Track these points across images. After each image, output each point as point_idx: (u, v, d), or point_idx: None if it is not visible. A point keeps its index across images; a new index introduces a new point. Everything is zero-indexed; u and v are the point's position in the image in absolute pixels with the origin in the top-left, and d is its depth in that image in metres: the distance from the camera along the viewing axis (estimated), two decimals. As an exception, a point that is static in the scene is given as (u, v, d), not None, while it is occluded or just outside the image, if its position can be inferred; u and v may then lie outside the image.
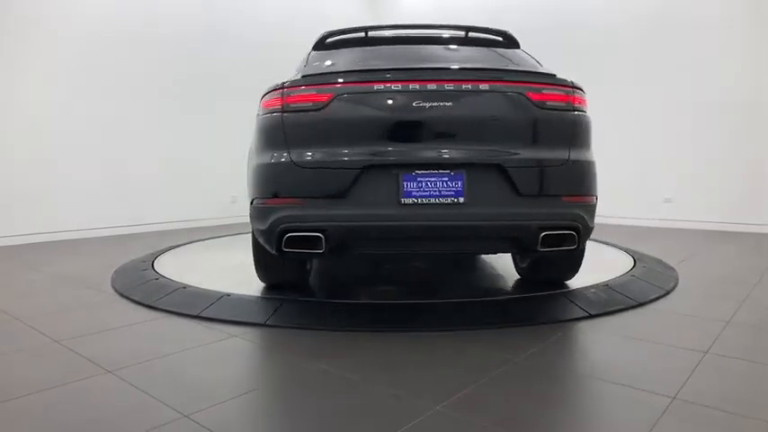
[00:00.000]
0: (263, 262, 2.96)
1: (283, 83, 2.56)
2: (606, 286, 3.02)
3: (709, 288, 3.25)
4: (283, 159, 2.48)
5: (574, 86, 2.59)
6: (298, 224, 2.45)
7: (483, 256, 4.08)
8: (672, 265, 3.79)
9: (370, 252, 2.72)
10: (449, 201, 2.42)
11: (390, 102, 2.47)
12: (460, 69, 2.62)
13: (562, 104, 2.54)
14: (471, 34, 3.14)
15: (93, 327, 2.52)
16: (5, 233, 5.09)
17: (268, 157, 2.54)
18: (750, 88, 5.76)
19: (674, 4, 6.20)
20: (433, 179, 2.42)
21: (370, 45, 3.09)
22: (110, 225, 5.81)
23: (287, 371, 2.01)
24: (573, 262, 2.99)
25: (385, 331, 2.45)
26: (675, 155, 6.24)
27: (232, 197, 6.43)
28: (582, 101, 2.62)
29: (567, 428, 1.60)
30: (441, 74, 2.51)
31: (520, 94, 2.49)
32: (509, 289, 3.20)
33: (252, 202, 2.65)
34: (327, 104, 2.45)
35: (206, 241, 5.18)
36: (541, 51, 6.89)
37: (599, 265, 3.77)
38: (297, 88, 2.52)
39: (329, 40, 3.17)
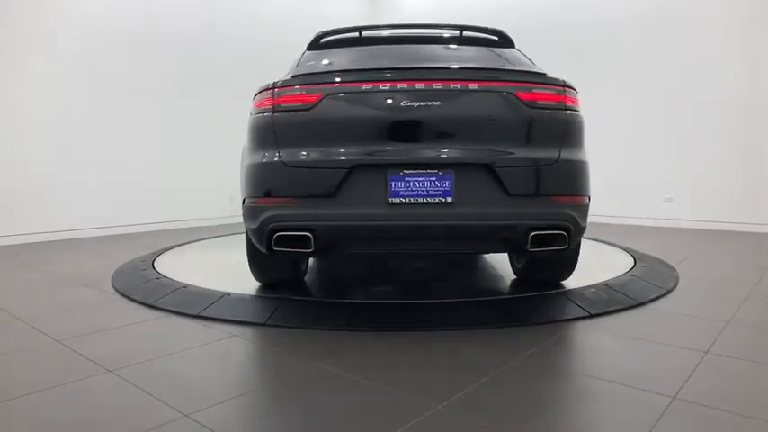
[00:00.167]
0: (256, 261, 2.98)
1: (274, 83, 2.59)
2: (606, 286, 3.02)
3: (710, 288, 3.24)
4: (273, 159, 2.50)
5: (566, 85, 2.57)
6: (287, 223, 2.47)
7: (484, 255, 4.08)
8: (672, 264, 3.79)
9: (360, 252, 2.73)
10: (436, 200, 2.43)
11: (378, 101, 2.48)
12: (449, 69, 2.62)
13: (553, 104, 2.52)
14: (466, 33, 3.14)
15: (94, 326, 2.52)
16: (5, 233, 5.10)
17: (258, 157, 2.56)
18: (750, 88, 5.76)
19: (674, 3, 6.20)
20: (420, 179, 2.43)
21: (364, 45, 3.09)
22: (110, 225, 5.81)
23: (287, 370, 2.01)
24: (568, 262, 2.98)
25: (385, 331, 2.45)
26: (676, 154, 6.24)
27: (230, 197, 6.43)
28: (574, 100, 2.60)
29: (568, 428, 1.60)
30: (429, 73, 2.51)
31: (510, 93, 2.48)
32: (509, 289, 3.20)
33: (244, 202, 2.67)
34: (317, 104, 2.47)
35: (206, 241, 5.18)
36: (541, 51, 6.90)
37: (599, 265, 3.77)
38: (287, 88, 2.54)
39: (323, 40, 3.18)
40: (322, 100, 2.46)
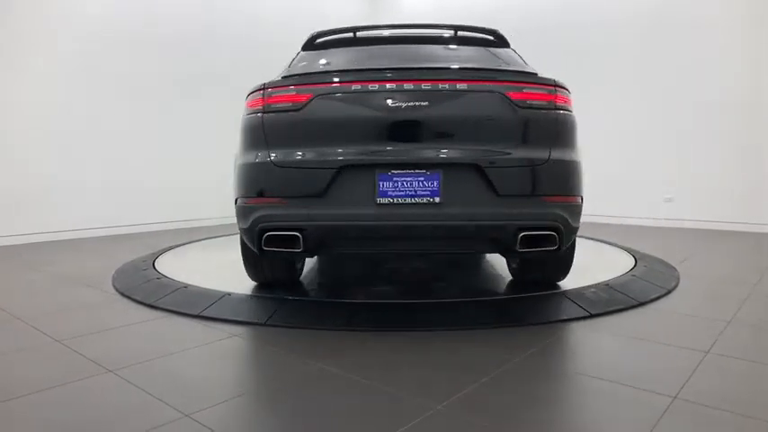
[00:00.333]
0: (250, 260, 2.99)
1: (264, 84, 2.60)
2: (607, 286, 3.02)
3: (711, 288, 3.24)
4: (263, 159, 2.53)
5: (557, 85, 2.56)
6: (276, 223, 2.49)
7: (485, 255, 4.08)
8: (673, 264, 3.79)
9: (349, 251, 2.72)
10: (424, 200, 2.43)
11: (367, 102, 2.49)
12: (437, 69, 2.62)
13: (544, 103, 2.51)
14: (461, 33, 3.13)
15: (94, 326, 2.52)
16: (5, 233, 5.10)
17: (249, 157, 2.59)
18: (750, 88, 5.77)
19: (674, 3, 6.21)
20: (408, 179, 2.43)
21: (359, 45, 3.10)
22: (110, 225, 5.81)
23: (287, 370, 2.01)
24: (562, 263, 2.96)
25: (385, 331, 2.45)
26: (676, 154, 6.24)
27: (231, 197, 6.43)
28: (566, 100, 2.59)
29: (568, 428, 1.60)
30: (417, 74, 2.52)
31: (499, 93, 2.48)
32: (509, 289, 3.20)
33: (236, 201, 2.69)
34: (306, 105, 2.48)
35: (206, 240, 5.18)
36: (541, 51, 6.92)
37: (599, 265, 3.77)
38: (277, 89, 2.56)
39: (318, 40, 3.19)
40: (312, 100, 2.48)
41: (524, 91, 2.49)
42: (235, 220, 2.71)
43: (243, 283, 3.10)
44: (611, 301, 2.79)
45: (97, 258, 4.38)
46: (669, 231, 5.89)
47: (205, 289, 2.99)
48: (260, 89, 2.60)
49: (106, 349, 2.21)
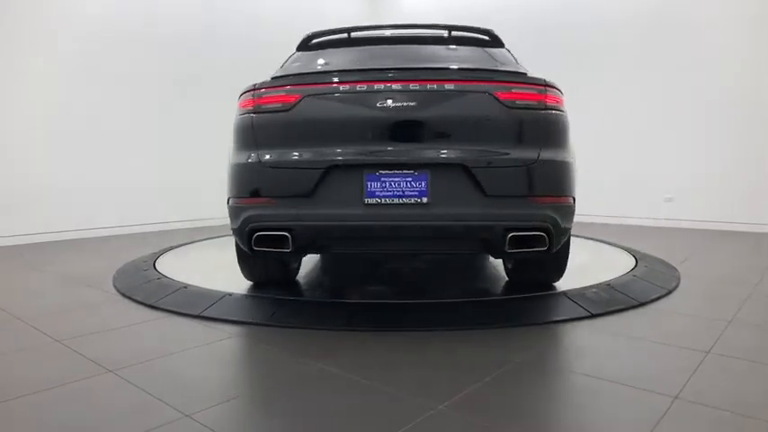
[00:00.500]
0: (245, 260, 3.01)
1: (254, 84, 2.62)
2: (608, 286, 3.02)
3: (711, 288, 3.24)
4: (253, 159, 2.55)
5: (547, 85, 2.55)
6: (265, 223, 2.50)
7: (487, 256, 4.08)
8: (673, 264, 3.79)
9: (338, 251, 2.72)
10: (412, 201, 2.43)
11: (356, 102, 2.50)
12: (425, 69, 2.62)
13: (533, 103, 2.50)
14: (455, 33, 3.12)
15: (95, 326, 2.52)
16: (5, 233, 5.09)
17: (240, 157, 2.61)
18: (750, 88, 5.76)
19: (674, 3, 6.20)
20: (396, 179, 2.43)
21: (353, 46, 3.10)
22: (110, 225, 5.81)
23: (287, 371, 2.00)
24: (556, 263, 2.94)
25: (385, 331, 2.45)
26: (676, 154, 6.24)
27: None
28: (557, 100, 2.57)
29: (569, 428, 1.60)
30: (405, 74, 2.51)
31: (488, 93, 2.47)
32: (509, 289, 3.19)
33: (228, 201, 2.70)
34: (295, 105, 2.50)
35: (207, 241, 5.19)
36: (542, 51, 6.91)
37: (600, 265, 3.77)
38: (267, 90, 2.57)
39: (313, 41, 3.19)
40: (300, 101, 2.50)
41: (513, 91, 2.48)
42: None
43: (243, 284, 3.10)
44: (611, 301, 2.79)
45: (98, 258, 4.37)
46: (669, 231, 5.89)
47: (206, 289, 2.99)
48: (251, 90, 2.62)
49: (106, 349, 2.21)
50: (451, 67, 2.73)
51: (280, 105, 2.52)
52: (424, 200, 2.42)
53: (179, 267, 3.74)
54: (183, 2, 6.46)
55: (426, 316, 2.65)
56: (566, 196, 2.56)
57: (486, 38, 3.15)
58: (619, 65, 6.61)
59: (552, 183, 2.52)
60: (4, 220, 5.09)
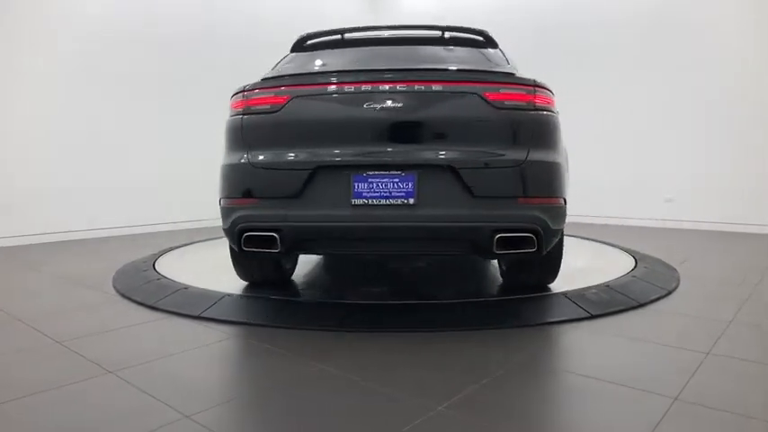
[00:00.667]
0: (239, 260, 3.03)
1: (245, 86, 2.63)
2: (607, 287, 3.02)
3: (711, 288, 3.24)
4: (242, 160, 2.57)
5: (536, 85, 2.53)
6: (254, 224, 2.52)
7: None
8: (673, 265, 3.79)
9: (327, 252, 2.72)
10: (399, 202, 2.42)
11: (343, 103, 2.51)
12: (413, 70, 2.61)
13: (522, 104, 2.48)
14: (449, 34, 3.11)
15: (95, 327, 2.52)
16: (5, 233, 5.09)
17: (230, 158, 2.65)
18: (750, 88, 5.76)
19: (674, 3, 6.20)
20: (383, 180, 2.43)
21: (346, 47, 3.09)
22: (110, 225, 5.80)
23: (287, 371, 2.00)
24: (549, 265, 2.91)
25: (385, 331, 2.45)
26: (676, 155, 6.24)
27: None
28: (547, 100, 2.55)
29: (569, 429, 1.60)
30: (393, 75, 2.51)
31: (476, 94, 2.46)
32: (508, 290, 3.19)
33: (220, 202, 2.73)
34: (284, 106, 2.51)
35: (207, 242, 5.18)
36: (542, 51, 6.91)
37: (600, 266, 3.77)
38: (256, 91, 2.59)
39: (307, 42, 3.18)
40: (289, 102, 2.51)
41: (501, 91, 2.47)
42: None
43: (243, 285, 3.10)
44: (611, 301, 2.79)
45: (98, 259, 4.37)
46: (669, 232, 5.89)
47: (205, 290, 2.99)
48: (241, 91, 2.64)
49: (106, 350, 2.21)
50: (440, 68, 2.72)
51: (269, 107, 2.54)
52: (411, 201, 2.42)
53: (179, 268, 3.74)
54: (183, 2, 6.46)
55: (425, 316, 2.65)
56: (556, 197, 2.54)
57: (480, 38, 3.13)
58: (619, 65, 6.60)
59: (541, 184, 2.51)
60: (3, 221, 5.09)
